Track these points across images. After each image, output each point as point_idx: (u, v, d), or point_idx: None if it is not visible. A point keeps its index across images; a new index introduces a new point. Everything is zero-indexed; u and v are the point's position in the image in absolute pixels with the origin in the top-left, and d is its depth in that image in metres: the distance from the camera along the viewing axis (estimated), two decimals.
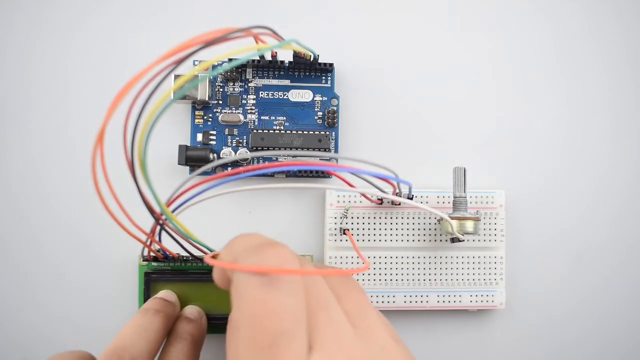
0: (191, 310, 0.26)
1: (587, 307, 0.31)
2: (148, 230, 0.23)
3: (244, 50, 0.19)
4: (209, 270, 0.28)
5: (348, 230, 0.28)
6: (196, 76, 0.27)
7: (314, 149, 0.28)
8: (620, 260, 0.31)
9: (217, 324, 0.27)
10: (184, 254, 0.25)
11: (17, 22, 0.29)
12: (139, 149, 0.17)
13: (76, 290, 0.29)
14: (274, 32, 0.21)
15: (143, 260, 0.27)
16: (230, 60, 0.27)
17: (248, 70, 0.29)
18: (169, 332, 0.24)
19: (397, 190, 0.26)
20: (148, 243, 0.24)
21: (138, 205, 0.20)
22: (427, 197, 0.29)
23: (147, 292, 0.27)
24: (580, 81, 0.32)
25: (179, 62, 0.17)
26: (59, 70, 0.29)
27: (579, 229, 0.31)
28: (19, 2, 0.29)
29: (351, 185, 0.26)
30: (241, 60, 0.19)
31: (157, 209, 0.20)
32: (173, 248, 0.25)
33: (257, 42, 0.22)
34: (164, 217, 0.21)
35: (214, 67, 0.29)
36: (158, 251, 0.26)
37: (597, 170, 0.31)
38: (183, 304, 0.27)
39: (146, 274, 0.27)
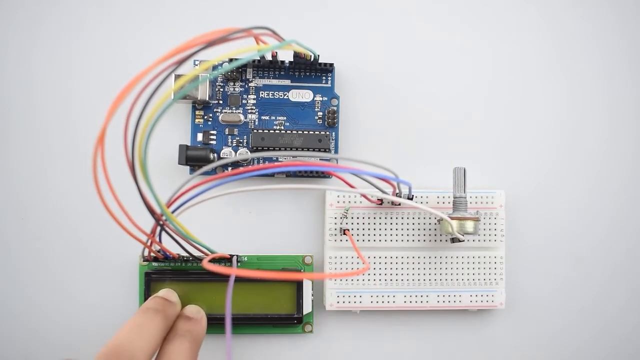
0: (191, 309, 0.26)
1: (587, 306, 0.31)
2: (148, 230, 0.23)
3: (244, 50, 0.19)
4: (208, 271, 0.28)
5: (348, 230, 0.28)
6: (197, 77, 0.27)
7: (314, 149, 0.28)
8: (621, 259, 0.31)
9: (217, 324, 0.27)
10: (184, 254, 0.25)
11: (19, 22, 0.29)
12: (140, 149, 0.17)
13: (76, 290, 0.29)
14: (275, 33, 0.21)
15: (143, 261, 0.27)
16: (231, 60, 0.27)
17: (248, 70, 0.29)
18: (168, 330, 0.24)
19: (397, 191, 0.26)
20: (148, 243, 0.24)
21: (138, 206, 0.20)
22: (427, 197, 0.29)
23: (147, 292, 0.27)
24: (579, 81, 0.32)
25: (180, 63, 0.17)
26: (61, 71, 0.29)
27: (579, 229, 0.31)
28: (21, 2, 0.29)
29: (351, 186, 0.26)
30: (242, 61, 0.19)
31: (158, 210, 0.20)
32: (173, 248, 0.25)
33: (257, 42, 0.22)
34: (164, 217, 0.21)
35: (214, 67, 0.29)
36: (158, 252, 0.26)
37: (597, 170, 0.31)
38: (183, 303, 0.27)
39: (146, 274, 0.27)
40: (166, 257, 0.26)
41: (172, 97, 0.25)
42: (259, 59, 0.28)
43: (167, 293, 0.26)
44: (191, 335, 0.24)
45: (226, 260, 0.27)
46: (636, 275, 0.31)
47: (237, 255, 0.28)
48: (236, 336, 0.29)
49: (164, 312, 0.24)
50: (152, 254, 0.26)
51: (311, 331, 0.29)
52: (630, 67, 0.32)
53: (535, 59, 0.32)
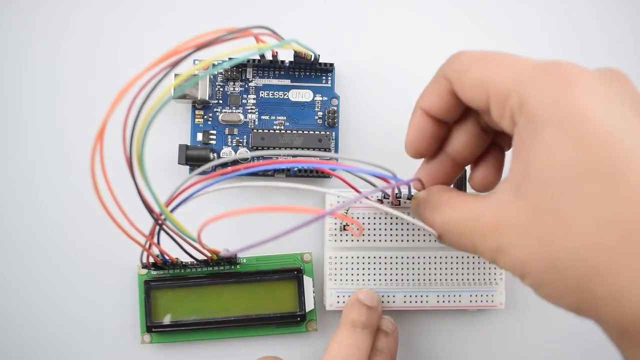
0: (387, 324, 0.26)
1: None
2: (146, 234, 0.23)
3: (244, 49, 0.19)
4: (207, 275, 0.28)
5: (348, 225, 0.28)
6: (195, 75, 0.27)
7: (314, 149, 0.28)
8: None
9: (217, 327, 0.27)
10: (184, 257, 0.25)
11: (10, 22, 0.29)
12: (137, 145, 0.17)
13: (74, 301, 0.29)
14: (274, 32, 0.21)
15: (142, 267, 0.26)
16: (230, 60, 0.27)
17: (248, 70, 0.29)
18: None
19: (397, 191, 0.26)
20: (147, 246, 0.24)
21: (136, 210, 0.20)
22: None
23: (147, 300, 0.27)
24: None
25: (175, 64, 0.17)
26: (53, 72, 0.29)
27: None
28: (12, 2, 0.29)
29: (351, 186, 0.26)
30: (241, 59, 0.19)
31: (156, 209, 0.20)
32: (172, 252, 0.25)
33: (257, 42, 0.22)
34: (162, 216, 0.21)
35: (214, 66, 0.29)
36: (157, 256, 0.26)
37: None
38: (183, 308, 0.27)
39: (146, 282, 0.27)
40: (165, 261, 0.26)
41: (172, 92, 0.25)
42: (259, 58, 0.28)
43: (367, 297, 0.26)
44: (390, 353, 0.25)
45: (225, 259, 0.27)
46: None
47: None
48: (238, 339, 0.29)
49: (371, 326, 0.25)
50: (150, 258, 0.25)
51: (315, 329, 0.29)
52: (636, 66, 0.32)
53: (537, 56, 0.31)
